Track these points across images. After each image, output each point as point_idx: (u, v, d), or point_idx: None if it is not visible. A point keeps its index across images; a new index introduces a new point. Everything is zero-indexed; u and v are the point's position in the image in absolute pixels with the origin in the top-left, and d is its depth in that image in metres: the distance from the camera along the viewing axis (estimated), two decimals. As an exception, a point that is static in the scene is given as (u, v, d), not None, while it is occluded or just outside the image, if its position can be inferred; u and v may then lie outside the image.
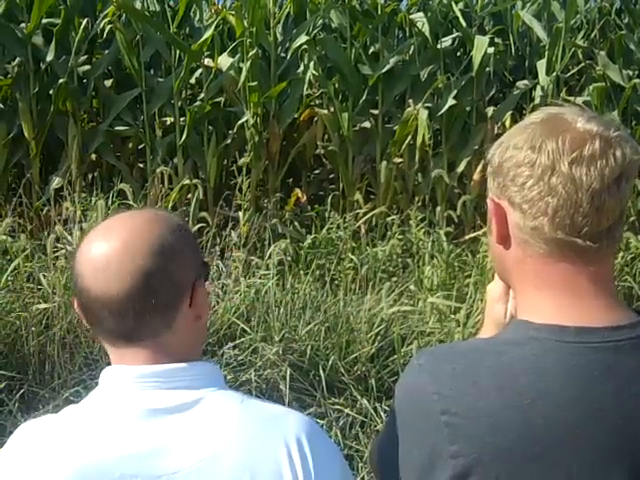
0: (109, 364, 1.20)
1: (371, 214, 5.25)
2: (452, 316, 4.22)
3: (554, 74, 5.90)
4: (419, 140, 5.45)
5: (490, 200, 1.15)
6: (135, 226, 1.15)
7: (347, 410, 3.64)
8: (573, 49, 6.09)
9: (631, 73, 6.08)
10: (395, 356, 3.90)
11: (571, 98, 6.09)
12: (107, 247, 1.12)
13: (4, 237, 4.43)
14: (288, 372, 3.69)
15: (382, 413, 3.65)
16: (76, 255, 1.16)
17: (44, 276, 4.11)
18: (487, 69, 5.98)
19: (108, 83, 5.96)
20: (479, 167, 5.57)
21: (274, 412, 1.17)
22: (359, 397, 3.72)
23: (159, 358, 1.15)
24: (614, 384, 1.02)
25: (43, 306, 3.95)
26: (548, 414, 1.01)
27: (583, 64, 6.24)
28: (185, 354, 1.18)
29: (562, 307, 1.07)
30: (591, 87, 5.88)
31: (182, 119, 5.61)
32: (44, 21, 5.61)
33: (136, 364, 1.15)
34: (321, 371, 3.76)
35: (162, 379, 1.13)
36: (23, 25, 5.55)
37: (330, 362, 3.81)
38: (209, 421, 1.11)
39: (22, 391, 3.66)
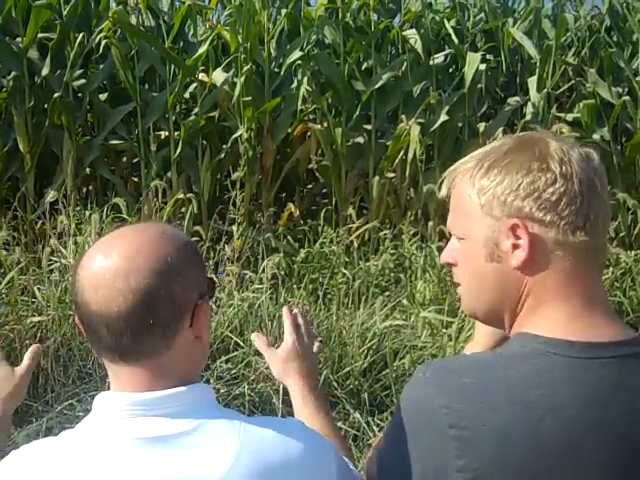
0: (102, 378, 1.21)
1: (364, 229, 5.28)
2: (444, 330, 4.25)
3: (545, 91, 5.97)
4: (411, 155, 5.49)
5: (508, 226, 1.10)
6: (139, 243, 1.13)
7: (340, 424, 3.66)
8: (563, 66, 6.16)
9: (621, 90, 6.15)
10: (387, 370, 3.92)
11: (562, 114, 6.15)
12: (109, 263, 1.10)
13: (-1, 250, 4.45)
14: (281, 386, 3.70)
15: (375, 427, 3.67)
16: (77, 269, 1.14)
17: (38, 289, 4.12)
18: (479, 85, 6.03)
19: (103, 97, 5.98)
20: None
21: (276, 441, 1.13)
22: (352, 411, 3.74)
23: (156, 380, 1.13)
24: (622, 399, 1.02)
25: (37, 319, 3.96)
26: (558, 430, 1.00)
27: (573, 81, 6.31)
28: (185, 375, 1.16)
29: (570, 322, 1.07)
30: (581, 104, 5.94)
31: (176, 133, 5.64)
32: (40, 35, 5.65)
33: (131, 385, 1.13)
34: (314, 385, 3.78)
35: (153, 406, 1.11)
36: (19, 39, 5.58)
37: (323, 376, 3.83)
38: (205, 451, 1.09)
39: (16, 404, 3.66)
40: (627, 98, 5.93)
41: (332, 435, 1.37)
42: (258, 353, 3.92)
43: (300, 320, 1.57)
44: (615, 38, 6.75)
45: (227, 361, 3.92)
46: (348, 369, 3.92)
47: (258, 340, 1.57)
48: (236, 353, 3.95)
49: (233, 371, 3.85)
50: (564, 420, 1.01)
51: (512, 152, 1.12)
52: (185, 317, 1.14)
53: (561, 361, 1.03)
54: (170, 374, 1.14)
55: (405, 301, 4.61)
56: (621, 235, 5.57)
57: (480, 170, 1.14)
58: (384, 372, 3.97)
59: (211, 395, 1.18)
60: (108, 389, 1.19)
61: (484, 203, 1.11)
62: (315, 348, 1.55)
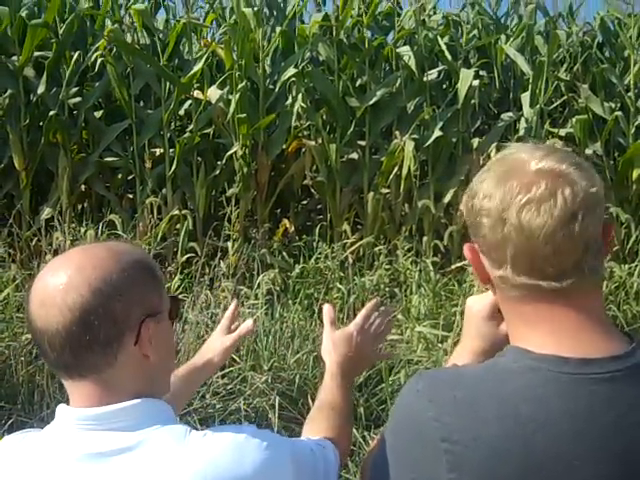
0: None
1: (359, 244, 5.30)
2: (439, 345, 4.26)
3: (538, 106, 6.00)
4: (405, 171, 5.51)
5: (467, 246, 1.18)
6: (82, 262, 1.15)
7: (335, 439, 3.66)
8: (556, 82, 6.19)
9: (613, 105, 6.19)
10: (383, 385, 3.92)
11: (555, 130, 6.19)
12: (52, 281, 1.13)
13: (-6, 267, 4.46)
14: (277, 401, 3.71)
15: (371, 442, 3.66)
16: (30, 285, 1.19)
17: (34, 306, 4.12)
18: (472, 101, 6.07)
19: (98, 114, 6.01)
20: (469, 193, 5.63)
21: (226, 451, 1.13)
22: (347, 426, 3.74)
23: (104, 396, 1.14)
24: (614, 414, 1.02)
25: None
26: (548, 445, 1.00)
27: (566, 97, 6.35)
28: (136, 391, 1.17)
29: (560, 339, 1.07)
30: (574, 119, 5.98)
31: (171, 150, 5.66)
32: (36, 54, 5.68)
33: (80, 400, 1.15)
34: (309, 400, 3.78)
35: (102, 421, 1.13)
36: (15, 58, 5.61)
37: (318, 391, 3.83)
38: (148, 465, 1.10)
39: (11, 421, 3.65)
40: (619, 113, 5.97)
41: (338, 430, 1.42)
42: (254, 368, 3.94)
43: (376, 317, 1.64)
44: (607, 54, 6.80)
45: (223, 376, 3.93)
46: (344, 384, 3.92)
47: (328, 312, 1.64)
48: (232, 368, 3.95)
49: (229, 386, 3.85)
50: (555, 435, 1.01)
51: (494, 170, 1.15)
52: (128, 335, 1.15)
53: (554, 377, 1.04)
54: (118, 390, 1.15)
55: (400, 316, 4.62)
56: (615, 249, 5.59)
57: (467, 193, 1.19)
58: (380, 387, 3.97)
59: (163, 409, 1.19)
60: None
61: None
62: (380, 353, 1.62)
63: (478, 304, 1.37)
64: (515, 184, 1.06)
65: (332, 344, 1.56)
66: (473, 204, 1.12)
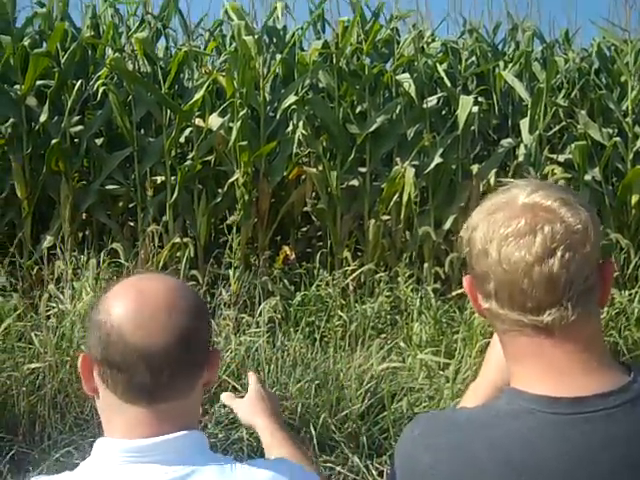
0: (100, 425, 1.22)
1: (359, 271, 5.31)
2: (441, 372, 4.26)
3: (537, 132, 6.04)
4: (406, 198, 5.54)
5: (465, 278, 1.18)
6: (171, 284, 1.17)
7: (339, 468, 3.66)
8: (554, 108, 6.24)
9: (611, 131, 6.23)
10: (385, 413, 3.92)
11: (554, 156, 6.23)
12: (149, 301, 1.12)
13: (-4, 296, 4.46)
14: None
15: (374, 471, 3.66)
16: (103, 311, 1.14)
17: (35, 335, 4.13)
18: (472, 128, 6.11)
19: (99, 142, 6.04)
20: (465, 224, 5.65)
21: None
22: (350, 455, 3.74)
23: (162, 425, 1.14)
24: (608, 454, 1.01)
25: (34, 365, 3.96)
26: None
27: (564, 123, 6.39)
28: (190, 420, 1.18)
29: (549, 377, 1.07)
30: (573, 145, 6.01)
31: (173, 178, 5.68)
32: (38, 83, 5.72)
33: (128, 430, 1.14)
34: (312, 429, 3.78)
35: (150, 452, 1.12)
36: (17, 87, 5.65)
37: (321, 420, 3.83)
38: None
39: (12, 452, 3.65)
40: (618, 139, 6.01)
41: (303, 460, 1.41)
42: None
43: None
44: (604, 80, 6.85)
45: (225, 405, 3.91)
46: (346, 412, 3.92)
47: (226, 396, 1.66)
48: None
49: (231, 415, 3.83)
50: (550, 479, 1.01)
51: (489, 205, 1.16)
52: (208, 360, 1.18)
53: (547, 419, 1.03)
54: (179, 418, 1.16)
55: (402, 343, 4.63)
56: (615, 275, 5.59)
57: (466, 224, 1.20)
58: (382, 415, 3.97)
59: (204, 441, 1.19)
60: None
61: None
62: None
63: None
64: (499, 217, 1.07)
65: (249, 407, 1.56)
66: (464, 235, 1.14)
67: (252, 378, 1.64)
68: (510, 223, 1.06)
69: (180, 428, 1.14)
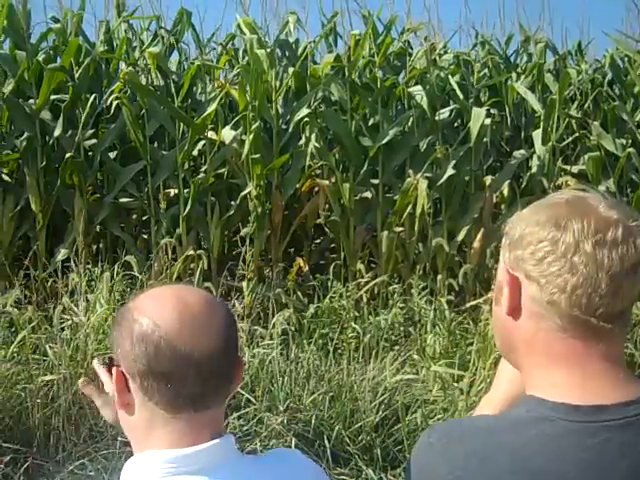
0: (114, 437, 1.21)
1: (373, 283, 5.30)
2: (455, 384, 4.24)
3: (550, 144, 6.03)
4: (419, 209, 5.53)
5: (504, 271, 1.15)
6: (204, 294, 1.19)
7: (352, 481, 3.64)
8: (567, 119, 6.23)
9: (624, 142, 6.21)
10: (399, 425, 3.90)
11: (567, 167, 6.21)
12: (193, 309, 1.13)
13: (11, 308, 4.48)
14: (293, 442, 3.69)
15: (388, 483, 3.64)
16: (145, 322, 1.12)
17: (50, 347, 4.14)
18: (484, 139, 6.10)
19: (113, 156, 6.07)
20: (479, 235, 5.64)
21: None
22: (364, 467, 3.72)
23: (205, 431, 1.15)
24: (628, 462, 1.01)
25: (48, 377, 3.97)
26: None
27: (577, 134, 6.38)
28: (222, 427, 1.19)
29: (574, 385, 1.07)
30: (586, 156, 6.00)
31: (186, 191, 5.70)
32: (52, 97, 5.77)
33: (178, 439, 1.13)
34: (326, 441, 3.76)
35: (188, 461, 1.12)
36: (32, 101, 5.70)
37: (335, 432, 3.82)
38: None
39: (27, 464, 3.65)
40: (632, 150, 5.98)
41: None
42: (269, 409, 3.92)
43: None
44: (617, 91, 6.84)
45: (239, 417, 3.91)
46: (360, 424, 3.91)
47: (87, 388, 1.43)
48: (248, 410, 3.94)
49: (245, 428, 3.83)
50: None
51: (549, 208, 1.14)
52: (238, 369, 1.20)
53: (567, 426, 1.03)
54: (216, 425, 1.17)
55: (415, 355, 4.61)
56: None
57: (513, 222, 1.18)
58: (396, 427, 3.95)
59: (234, 443, 1.21)
60: (119, 448, 1.19)
61: (503, 252, 1.17)
62: None
63: None
64: (593, 220, 1.07)
65: None
66: (533, 230, 1.11)
67: (104, 375, 1.47)
68: (607, 228, 1.06)
69: (216, 435, 1.16)
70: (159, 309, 1.13)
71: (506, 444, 1.04)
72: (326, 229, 6.15)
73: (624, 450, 1.01)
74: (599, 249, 1.05)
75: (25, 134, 5.63)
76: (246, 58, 6.25)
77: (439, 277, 5.59)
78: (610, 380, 1.07)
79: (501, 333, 1.20)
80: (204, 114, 5.68)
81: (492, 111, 6.37)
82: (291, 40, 6.78)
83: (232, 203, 5.86)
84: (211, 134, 5.86)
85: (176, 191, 5.82)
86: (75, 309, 4.39)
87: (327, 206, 5.87)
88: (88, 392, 1.49)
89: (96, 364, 1.50)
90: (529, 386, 1.13)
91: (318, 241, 6.43)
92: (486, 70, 6.87)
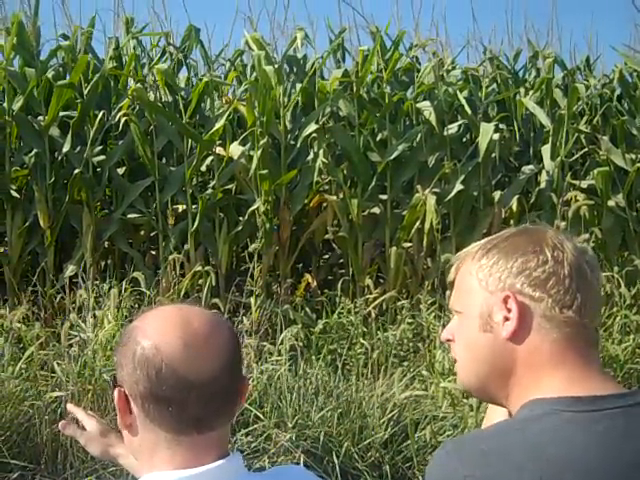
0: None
1: (381, 299, 5.28)
2: (465, 400, 4.21)
3: (559, 159, 6.02)
4: (427, 225, 5.52)
5: (501, 301, 1.17)
6: (208, 315, 1.18)
7: (362, 498, 3.61)
8: (576, 134, 6.21)
9: (634, 157, 6.19)
10: (409, 441, 3.87)
11: (576, 182, 6.19)
12: (197, 331, 1.12)
13: (18, 325, 4.47)
14: (302, 459, 3.67)
15: (397, 501, 3.61)
16: (147, 345, 1.12)
17: (58, 364, 4.13)
18: (493, 155, 6.09)
19: (121, 172, 6.08)
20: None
21: None
22: (373, 484, 3.69)
23: (211, 451, 1.14)
24: (632, 445, 1.06)
25: (56, 394, 3.96)
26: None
27: (587, 149, 6.36)
28: (227, 446, 1.18)
29: (573, 381, 1.13)
30: (595, 171, 5.98)
31: (194, 206, 5.70)
32: (61, 114, 5.80)
33: (181, 461, 1.13)
34: (335, 457, 3.74)
35: None
36: (41, 118, 5.73)
37: (344, 448, 3.79)
38: None
39: (35, 481, 3.64)
40: (641, 165, 5.97)
41: None
42: (278, 426, 3.90)
43: None
44: (626, 106, 6.82)
45: (247, 434, 3.89)
46: (369, 441, 3.88)
47: (69, 428, 1.54)
48: (256, 426, 3.92)
49: (253, 444, 3.81)
50: (584, 472, 1.04)
51: (512, 237, 1.23)
52: (243, 387, 1.19)
53: (570, 416, 1.08)
54: (221, 445, 1.16)
55: (424, 371, 4.58)
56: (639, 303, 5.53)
57: (482, 251, 1.23)
58: (405, 443, 3.92)
59: (242, 461, 1.20)
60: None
61: (481, 278, 1.20)
62: None
63: None
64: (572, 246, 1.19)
65: (102, 439, 1.51)
66: (527, 259, 1.18)
67: (81, 414, 1.56)
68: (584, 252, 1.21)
69: (223, 454, 1.15)
70: (162, 332, 1.13)
71: (520, 439, 1.08)
72: (334, 245, 6.14)
73: (627, 435, 1.07)
74: (591, 271, 1.18)
75: (34, 150, 5.65)
76: (254, 74, 6.26)
77: (448, 292, 5.56)
78: (602, 377, 1.16)
79: (489, 362, 1.20)
80: (212, 130, 5.69)
81: (501, 126, 6.37)
82: (299, 56, 6.80)
83: (240, 219, 5.86)
84: (219, 150, 5.86)
85: (184, 207, 5.82)
86: (83, 325, 4.39)
87: (335, 222, 5.86)
88: (70, 433, 1.54)
89: (70, 406, 1.56)
90: (528, 392, 1.15)
91: (326, 257, 6.42)
92: (494, 85, 6.89)
